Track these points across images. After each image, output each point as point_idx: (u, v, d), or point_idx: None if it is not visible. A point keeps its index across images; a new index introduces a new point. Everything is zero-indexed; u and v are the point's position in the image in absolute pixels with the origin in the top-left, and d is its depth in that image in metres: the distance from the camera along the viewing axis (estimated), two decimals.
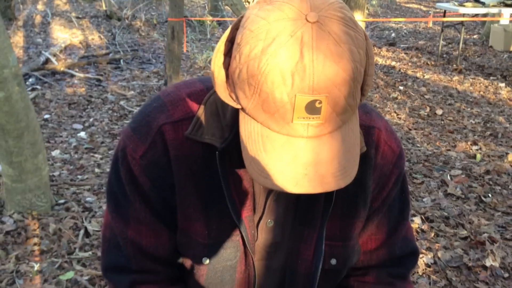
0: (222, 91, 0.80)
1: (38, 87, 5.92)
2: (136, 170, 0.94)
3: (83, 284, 2.35)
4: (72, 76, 6.45)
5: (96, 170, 3.75)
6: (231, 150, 0.92)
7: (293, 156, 0.75)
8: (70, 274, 2.39)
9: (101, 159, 3.99)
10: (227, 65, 0.81)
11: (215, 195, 0.95)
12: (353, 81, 0.73)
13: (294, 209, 1.00)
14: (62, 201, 3.14)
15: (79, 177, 3.60)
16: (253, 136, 0.77)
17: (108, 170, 3.73)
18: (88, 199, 3.23)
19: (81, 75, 6.45)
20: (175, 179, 0.94)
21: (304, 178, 0.74)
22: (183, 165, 0.94)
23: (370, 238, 1.08)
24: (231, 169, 0.94)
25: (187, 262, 1.03)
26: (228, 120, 0.91)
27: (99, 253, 2.62)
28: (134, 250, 0.99)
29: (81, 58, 7.42)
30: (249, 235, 0.97)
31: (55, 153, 4.01)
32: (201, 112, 0.93)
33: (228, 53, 0.81)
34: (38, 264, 2.46)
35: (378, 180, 1.01)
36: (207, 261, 0.98)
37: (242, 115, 0.79)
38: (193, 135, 0.92)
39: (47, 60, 6.92)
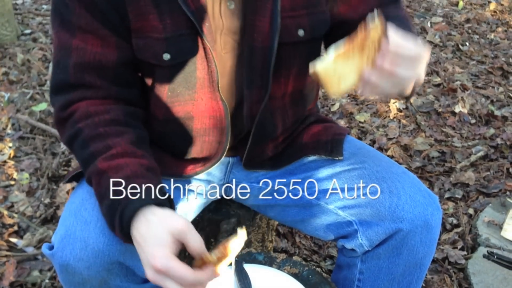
0: None
1: None
2: None
3: None
4: None
5: None
6: None
7: None
8: (43, 106, 2.35)
9: None
10: None
11: None
12: None
13: None
14: (28, 31, 2.98)
15: (44, 7, 3.38)
16: None
17: None
18: None
19: None
20: None
21: None
22: None
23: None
24: None
25: (147, 70, 1.01)
26: None
27: None
28: (76, 59, 0.96)
29: None
30: (203, 25, 0.96)
31: None
32: None
33: None
34: (9, 94, 2.40)
35: None
36: (168, 56, 0.97)
37: None
38: None
39: None
